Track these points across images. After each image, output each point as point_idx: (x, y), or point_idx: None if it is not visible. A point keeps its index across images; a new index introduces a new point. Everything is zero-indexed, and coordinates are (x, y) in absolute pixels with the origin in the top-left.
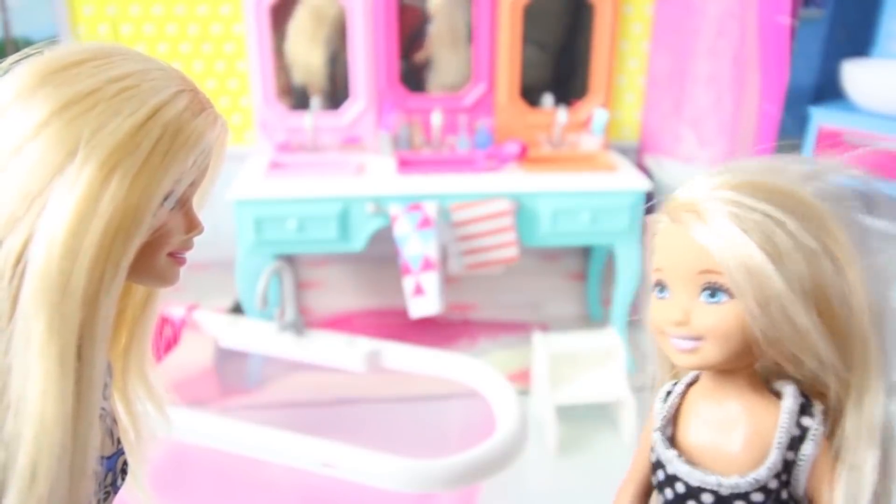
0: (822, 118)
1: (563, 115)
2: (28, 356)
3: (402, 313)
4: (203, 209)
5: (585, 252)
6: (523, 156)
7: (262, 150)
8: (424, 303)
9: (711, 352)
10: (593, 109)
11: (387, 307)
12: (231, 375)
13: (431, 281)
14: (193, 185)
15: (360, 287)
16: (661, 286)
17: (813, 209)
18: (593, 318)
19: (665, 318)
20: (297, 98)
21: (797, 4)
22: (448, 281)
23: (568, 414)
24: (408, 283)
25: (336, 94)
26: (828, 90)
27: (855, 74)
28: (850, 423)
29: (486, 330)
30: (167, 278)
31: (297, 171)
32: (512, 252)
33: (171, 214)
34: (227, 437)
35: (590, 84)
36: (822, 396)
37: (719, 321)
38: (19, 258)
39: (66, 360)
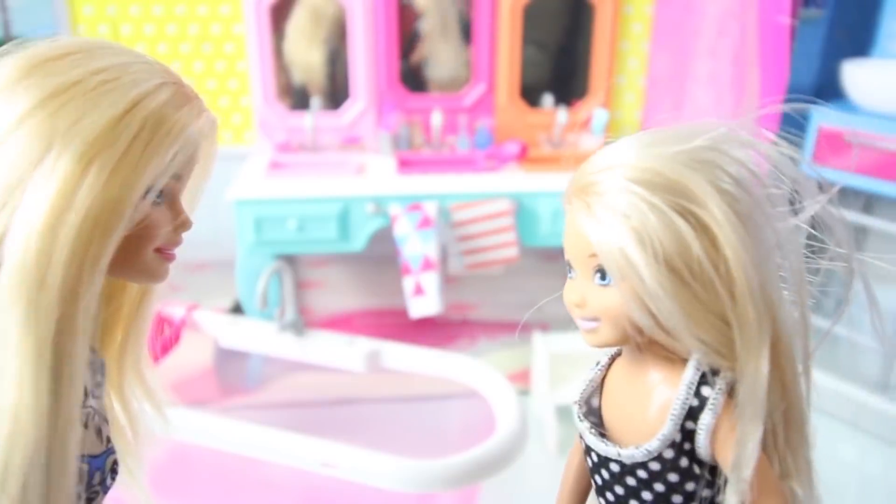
0: (822, 118)
1: (563, 115)
2: (3, 351)
3: (402, 313)
4: (196, 207)
5: None
6: (523, 156)
7: (262, 150)
8: (424, 303)
9: (607, 332)
10: (593, 109)
11: (387, 307)
12: (231, 375)
13: (431, 281)
14: (179, 180)
15: (360, 287)
16: (569, 266)
17: (697, 194)
18: None
19: (568, 299)
20: (297, 98)
21: (797, 4)
22: (448, 281)
23: (568, 414)
24: (408, 283)
25: (336, 94)
26: (828, 90)
27: (855, 74)
28: (740, 398)
29: (486, 330)
30: (155, 274)
31: (297, 171)
32: (512, 252)
33: (155, 209)
34: (227, 437)
35: (590, 84)
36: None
37: (609, 303)
38: None
39: (43, 355)
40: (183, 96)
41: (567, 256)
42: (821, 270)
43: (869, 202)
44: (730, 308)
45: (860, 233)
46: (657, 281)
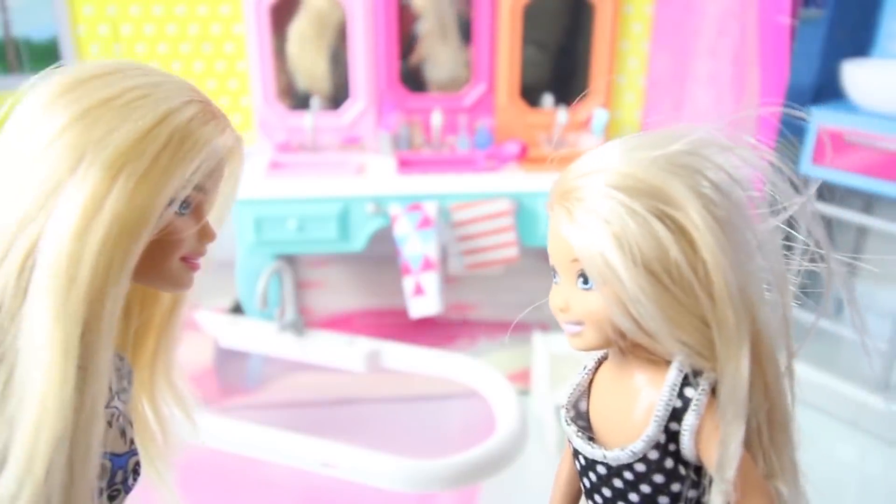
0: (822, 118)
1: (563, 115)
2: (34, 342)
3: (402, 313)
4: (223, 221)
5: None
6: (523, 156)
7: (262, 150)
8: (424, 303)
9: (591, 335)
10: (593, 109)
11: (387, 307)
12: (231, 375)
13: (431, 281)
14: (202, 191)
15: (360, 287)
16: (553, 271)
17: (676, 198)
18: None
19: (552, 304)
20: (297, 98)
21: (797, 4)
22: (448, 281)
23: None
24: (408, 283)
25: (336, 94)
26: (828, 90)
27: (855, 74)
28: (721, 399)
29: (487, 330)
30: (180, 282)
31: (297, 171)
32: (512, 252)
33: (180, 219)
34: (227, 437)
35: (590, 84)
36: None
37: (591, 307)
38: (30, 254)
39: (70, 349)
40: (209, 113)
41: (552, 262)
42: (803, 271)
43: (869, 202)
44: (709, 310)
45: (860, 233)
46: (637, 285)
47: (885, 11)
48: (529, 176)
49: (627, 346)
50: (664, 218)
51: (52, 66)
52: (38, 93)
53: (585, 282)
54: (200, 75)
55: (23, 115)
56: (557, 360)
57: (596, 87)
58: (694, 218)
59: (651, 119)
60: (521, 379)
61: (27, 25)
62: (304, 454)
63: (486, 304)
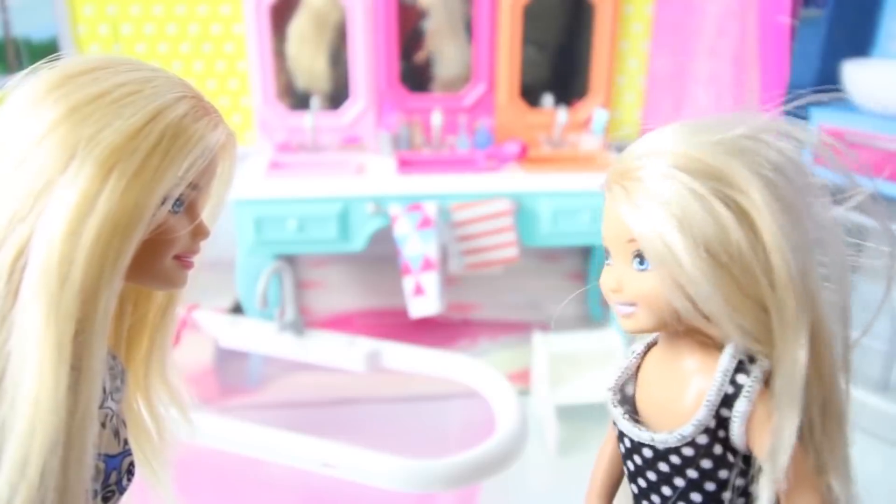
0: (822, 118)
1: (563, 115)
2: (26, 343)
3: (402, 313)
4: (217, 219)
5: (585, 252)
6: (523, 156)
7: (262, 150)
8: (424, 303)
9: (644, 317)
10: (593, 109)
11: (387, 307)
12: (231, 375)
13: (431, 281)
14: (196, 189)
15: (360, 287)
16: (606, 253)
17: (738, 180)
18: (593, 318)
19: (605, 284)
20: (298, 98)
21: (797, 4)
22: (448, 281)
23: (568, 414)
24: (408, 283)
25: (336, 93)
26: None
27: (855, 74)
28: (777, 386)
29: (486, 330)
30: (174, 281)
31: (297, 171)
32: (512, 252)
33: (174, 216)
34: (227, 437)
35: (590, 84)
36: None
37: (647, 288)
38: (21, 253)
39: (63, 349)
40: (201, 109)
41: (605, 243)
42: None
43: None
44: (769, 294)
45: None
46: (697, 266)
47: (885, 11)
48: (529, 176)
49: (682, 329)
50: (726, 200)
51: (40, 62)
52: (27, 88)
53: (641, 262)
54: (200, 75)
55: (11, 111)
56: (557, 360)
57: (596, 87)
58: (756, 200)
59: (651, 119)
60: (521, 379)
61: (27, 25)
62: (304, 454)
63: (486, 305)
